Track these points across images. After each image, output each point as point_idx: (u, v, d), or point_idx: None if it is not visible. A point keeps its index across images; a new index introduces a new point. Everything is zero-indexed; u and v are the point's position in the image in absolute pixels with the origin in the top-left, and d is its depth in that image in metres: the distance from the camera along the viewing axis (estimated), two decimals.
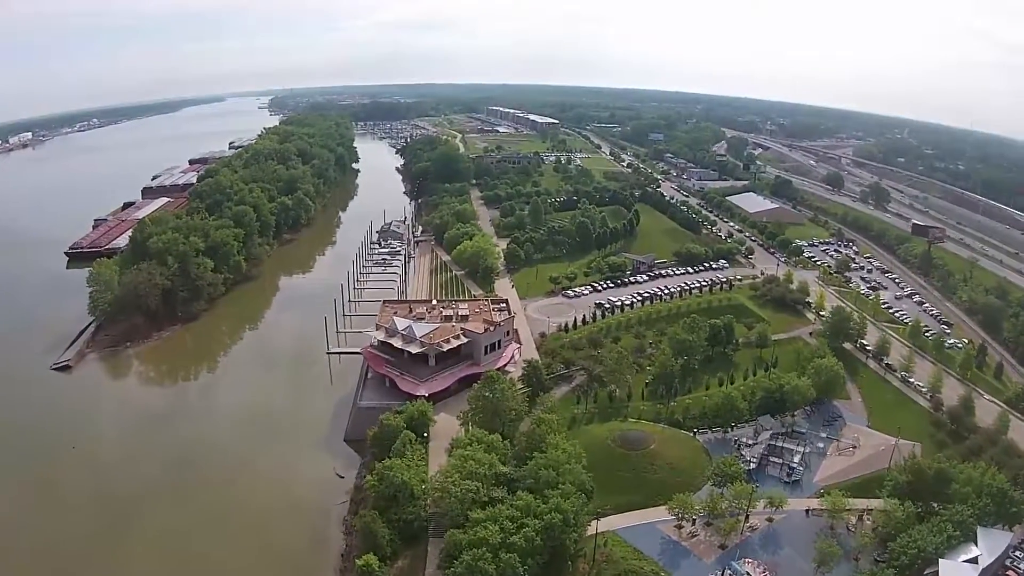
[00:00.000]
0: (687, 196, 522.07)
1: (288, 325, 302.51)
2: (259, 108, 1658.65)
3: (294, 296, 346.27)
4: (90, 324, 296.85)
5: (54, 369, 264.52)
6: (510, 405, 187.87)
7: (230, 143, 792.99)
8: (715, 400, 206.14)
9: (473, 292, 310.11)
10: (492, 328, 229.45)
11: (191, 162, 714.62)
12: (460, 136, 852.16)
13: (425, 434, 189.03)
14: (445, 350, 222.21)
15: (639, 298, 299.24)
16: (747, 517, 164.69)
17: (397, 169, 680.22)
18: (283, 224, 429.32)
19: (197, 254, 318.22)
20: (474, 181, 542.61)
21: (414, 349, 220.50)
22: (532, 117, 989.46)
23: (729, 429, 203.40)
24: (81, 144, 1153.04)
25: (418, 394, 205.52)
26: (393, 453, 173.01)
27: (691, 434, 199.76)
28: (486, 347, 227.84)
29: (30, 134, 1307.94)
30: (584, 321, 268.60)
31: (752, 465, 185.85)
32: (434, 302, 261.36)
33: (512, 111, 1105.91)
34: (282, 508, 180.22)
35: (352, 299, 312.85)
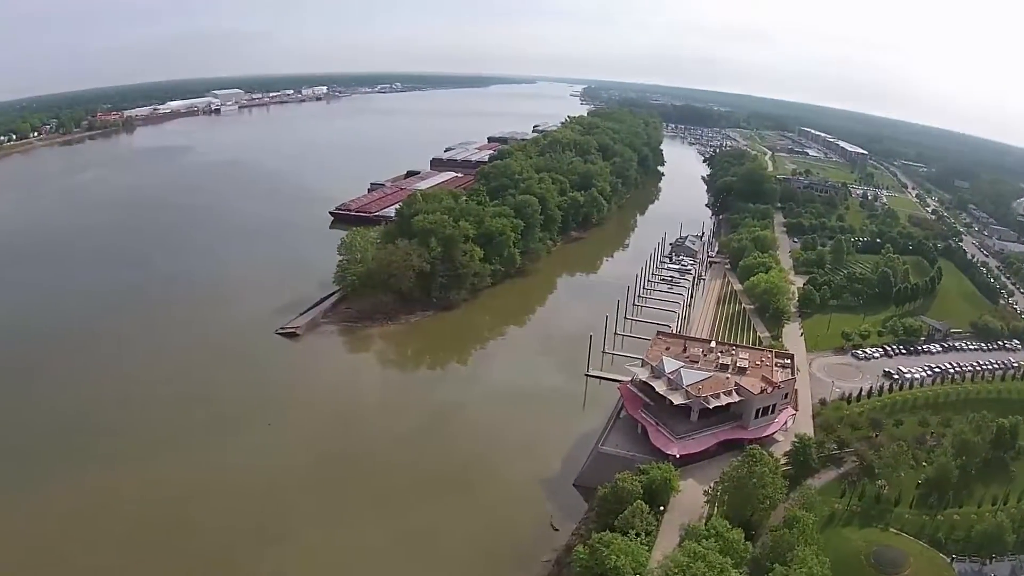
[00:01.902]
0: (987, 256, 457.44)
1: (553, 333, 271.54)
2: (571, 96, 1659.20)
3: (565, 302, 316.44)
4: (333, 294, 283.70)
5: (279, 334, 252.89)
6: (767, 492, 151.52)
7: (534, 126, 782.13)
8: (984, 525, 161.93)
9: (759, 333, 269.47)
10: (770, 389, 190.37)
11: (490, 139, 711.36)
12: (769, 154, 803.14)
13: (662, 507, 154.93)
14: (711, 406, 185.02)
15: (930, 373, 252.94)
16: None
17: (703, 179, 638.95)
18: (571, 220, 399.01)
19: (466, 240, 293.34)
20: (779, 205, 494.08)
21: (677, 399, 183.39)
22: (842, 144, 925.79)
23: (988, 561, 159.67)
24: (379, 106, 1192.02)
25: (669, 452, 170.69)
26: (619, 524, 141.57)
27: (948, 560, 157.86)
28: (758, 410, 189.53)
29: (325, 88, 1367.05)
30: (870, 392, 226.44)
31: None
32: (712, 344, 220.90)
33: (822, 135, 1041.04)
34: (477, 549, 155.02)
35: (628, 316, 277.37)
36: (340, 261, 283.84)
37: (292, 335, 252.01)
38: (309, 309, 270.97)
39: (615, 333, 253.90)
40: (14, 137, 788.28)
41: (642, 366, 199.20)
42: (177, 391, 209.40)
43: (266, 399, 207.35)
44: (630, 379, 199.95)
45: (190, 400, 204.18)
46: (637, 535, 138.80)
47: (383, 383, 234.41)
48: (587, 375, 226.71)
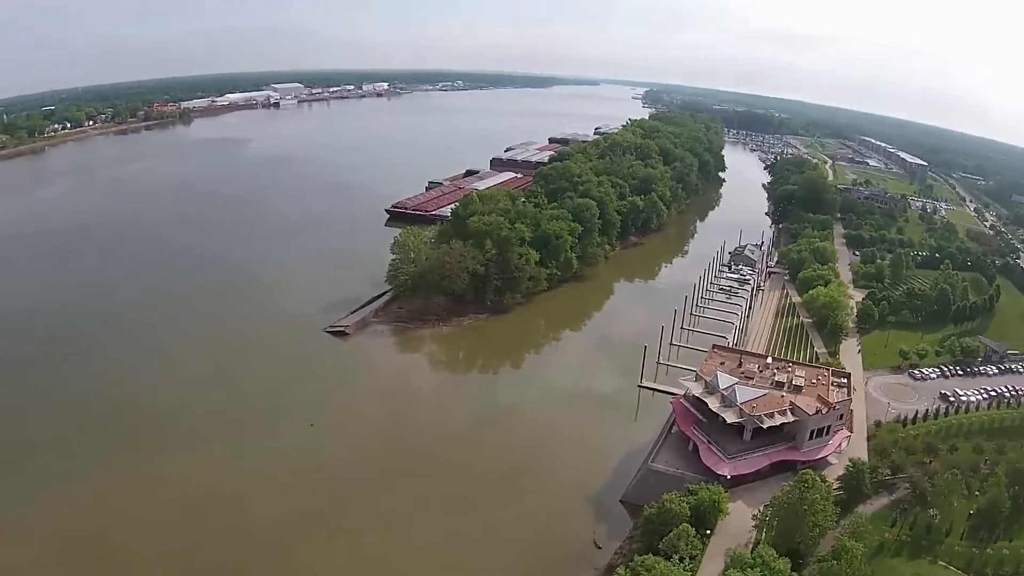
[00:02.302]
0: None
1: (608, 340, 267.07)
2: (632, 98, 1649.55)
3: (622, 309, 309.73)
4: (384, 293, 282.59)
5: (328, 332, 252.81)
6: (817, 520, 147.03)
7: (595, 128, 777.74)
8: None
9: (816, 348, 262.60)
10: (825, 410, 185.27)
11: (551, 140, 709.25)
12: (830, 163, 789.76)
13: (709, 531, 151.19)
14: (765, 426, 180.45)
15: (986, 396, 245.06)
16: None
17: (763, 186, 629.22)
18: (631, 225, 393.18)
19: (522, 243, 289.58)
20: (839, 215, 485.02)
21: (730, 417, 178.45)
22: (902, 155, 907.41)
23: None
24: (440, 104, 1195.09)
25: (719, 473, 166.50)
26: (663, 546, 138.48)
27: None
28: (813, 431, 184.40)
29: (386, 85, 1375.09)
30: (925, 415, 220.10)
31: None
32: (769, 360, 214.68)
33: (882, 145, 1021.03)
34: (517, 561, 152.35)
35: (685, 327, 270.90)
36: (393, 260, 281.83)
37: (341, 334, 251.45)
38: (359, 308, 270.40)
39: (671, 343, 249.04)
40: (68, 125, 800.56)
41: (696, 380, 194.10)
42: (221, 384, 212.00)
43: (310, 398, 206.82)
44: (683, 393, 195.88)
45: (234, 393, 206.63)
46: (681, 560, 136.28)
47: (431, 385, 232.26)
48: (640, 386, 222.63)
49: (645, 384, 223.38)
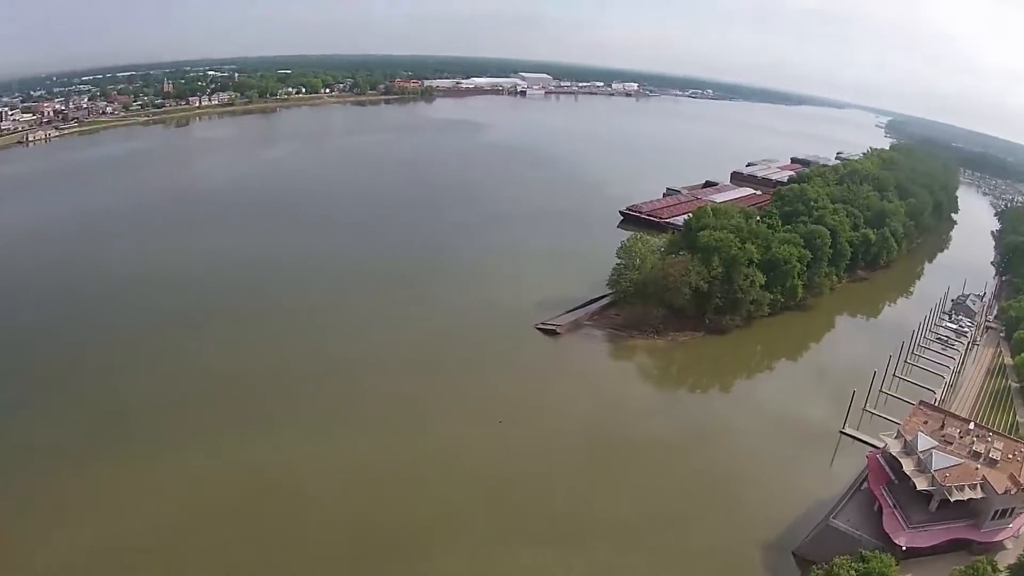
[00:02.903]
0: None
1: (821, 377, 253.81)
2: (876, 126, 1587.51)
3: (840, 345, 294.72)
4: (603, 297, 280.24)
5: (538, 328, 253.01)
6: None
7: (837, 153, 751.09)
8: None
9: (1019, 417, 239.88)
10: (1014, 491, 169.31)
11: (793, 160, 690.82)
12: None
13: None
14: (953, 499, 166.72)
15: None
16: None
17: (992, 234, 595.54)
18: (859, 258, 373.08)
19: (749, 264, 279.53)
20: None
21: (921, 484, 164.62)
22: None
23: None
24: (688, 110, 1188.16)
25: (896, 541, 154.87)
26: None
27: None
28: (997, 511, 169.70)
29: (636, 85, 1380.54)
30: None
31: None
32: (971, 426, 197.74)
33: None
34: None
35: (897, 374, 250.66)
36: (617, 265, 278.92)
37: (552, 332, 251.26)
38: (575, 309, 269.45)
39: (880, 390, 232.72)
40: (303, 90, 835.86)
41: (896, 437, 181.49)
42: (415, 368, 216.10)
43: (505, 392, 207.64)
44: (881, 449, 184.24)
45: (427, 377, 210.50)
46: None
47: (634, 396, 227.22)
48: (842, 432, 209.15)
49: (847, 431, 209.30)
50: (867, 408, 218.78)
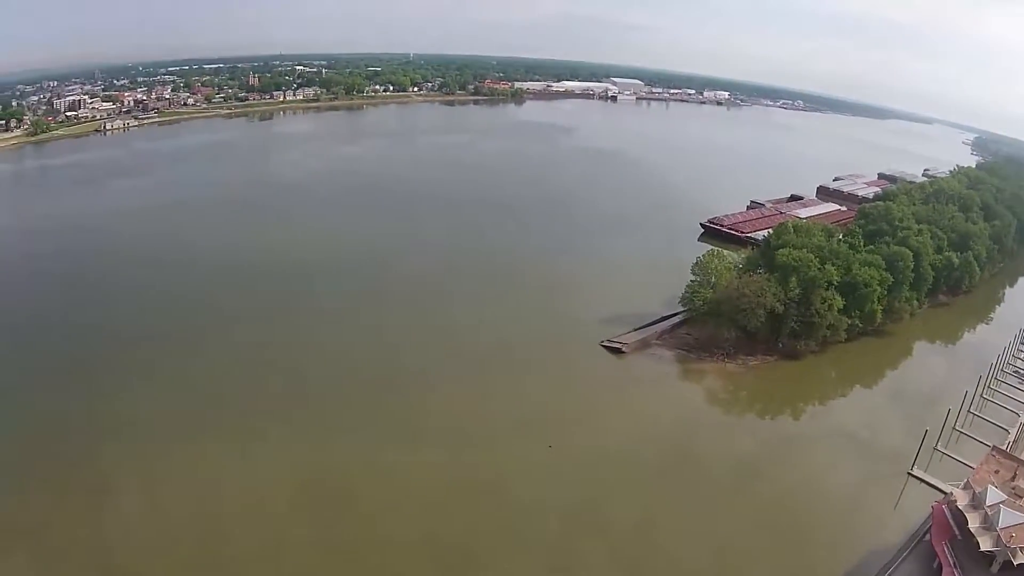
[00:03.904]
0: None
1: (895, 408, 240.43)
2: (962, 143, 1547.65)
3: (917, 375, 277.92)
4: (675, 314, 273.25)
5: (603, 346, 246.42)
6: None
7: (924, 170, 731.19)
8: None
9: None
10: None
11: (879, 176, 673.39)
12: None
13: None
14: (1016, 562, 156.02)
15: None
16: None
17: None
18: (941, 282, 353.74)
19: (828, 286, 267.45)
20: None
21: (985, 543, 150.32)
22: None
23: None
24: (778, 120, 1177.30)
25: None
26: None
27: None
28: None
29: (727, 94, 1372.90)
30: None
31: None
32: None
33: None
34: None
35: (973, 410, 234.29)
36: (691, 282, 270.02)
37: (617, 351, 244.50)
38: (644, 326, 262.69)
39: (953, 427, 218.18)
40: (391, 88, 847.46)
41: (965, 488, 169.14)
42: (466, 384, 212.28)
43: (560, 413, 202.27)
44: (948, 497, 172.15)
45: (482, 394, 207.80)
46: None
47: (700, 423, 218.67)
48: (910, 474, 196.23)
49: (915, 473, 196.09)
50: (938, 447, 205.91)
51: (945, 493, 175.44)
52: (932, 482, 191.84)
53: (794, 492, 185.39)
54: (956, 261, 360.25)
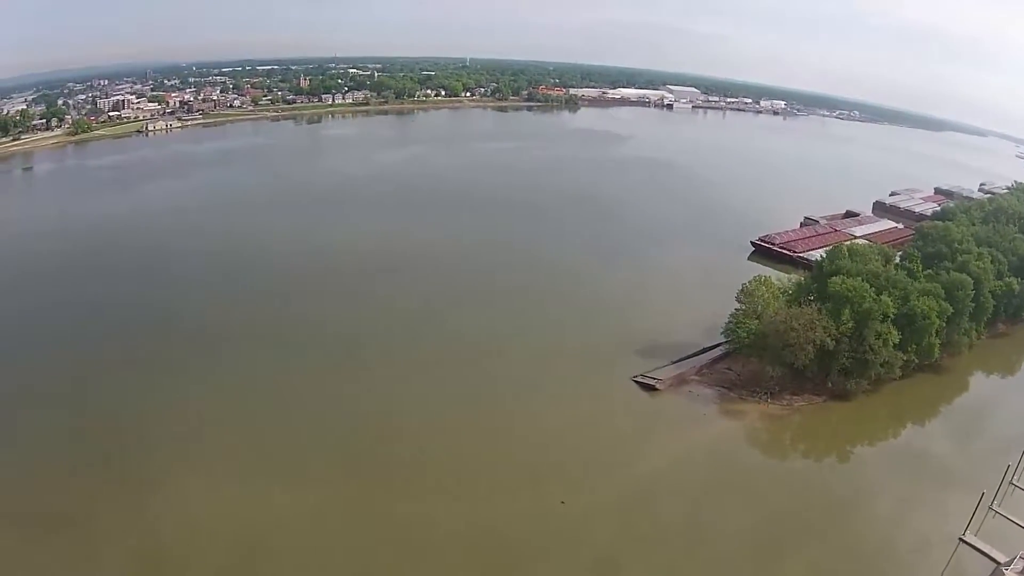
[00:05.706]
0: None
1: (949, 459, 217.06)
2: (1016, 156, 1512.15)
3: (977, 418, 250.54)
4: (716, 346, 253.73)
5: (636, 382, 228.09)
6: None
7: (980, 184, 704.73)
8: None
9: None
10: None
11: (936, 191, 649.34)
12: None
13: None
14: None
15: None
16: None
17: None
18: (1000, 311, 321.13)
19: (883, 319, 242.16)
20: None
21: None
22: None
23: None
24: (835, 131, 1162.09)
25: None
26: None
27: None
28: None
29: (783, 103, 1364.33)
30: None
31: None
32: None
33: None
34: None
35: None
36: (736, 311, 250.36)
37: (650, 388, 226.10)
38: (681, 360, 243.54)
39: (1011, 482, 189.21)
40: (443, 92, 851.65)
41: (1019, 559, 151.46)
42: (476, 430, 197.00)
43: (580, 462, 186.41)
44: (999, 567, 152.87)
45: (495, 440, 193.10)
46: None
47: (734, 473, 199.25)
48: (962, 539, 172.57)
49: (967, 539, 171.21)
50: (994, 507, 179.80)
51: (997, 564, 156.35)
52: (985, 550, 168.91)
53: (836, 562, 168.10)
54: (1016, 287, 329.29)
